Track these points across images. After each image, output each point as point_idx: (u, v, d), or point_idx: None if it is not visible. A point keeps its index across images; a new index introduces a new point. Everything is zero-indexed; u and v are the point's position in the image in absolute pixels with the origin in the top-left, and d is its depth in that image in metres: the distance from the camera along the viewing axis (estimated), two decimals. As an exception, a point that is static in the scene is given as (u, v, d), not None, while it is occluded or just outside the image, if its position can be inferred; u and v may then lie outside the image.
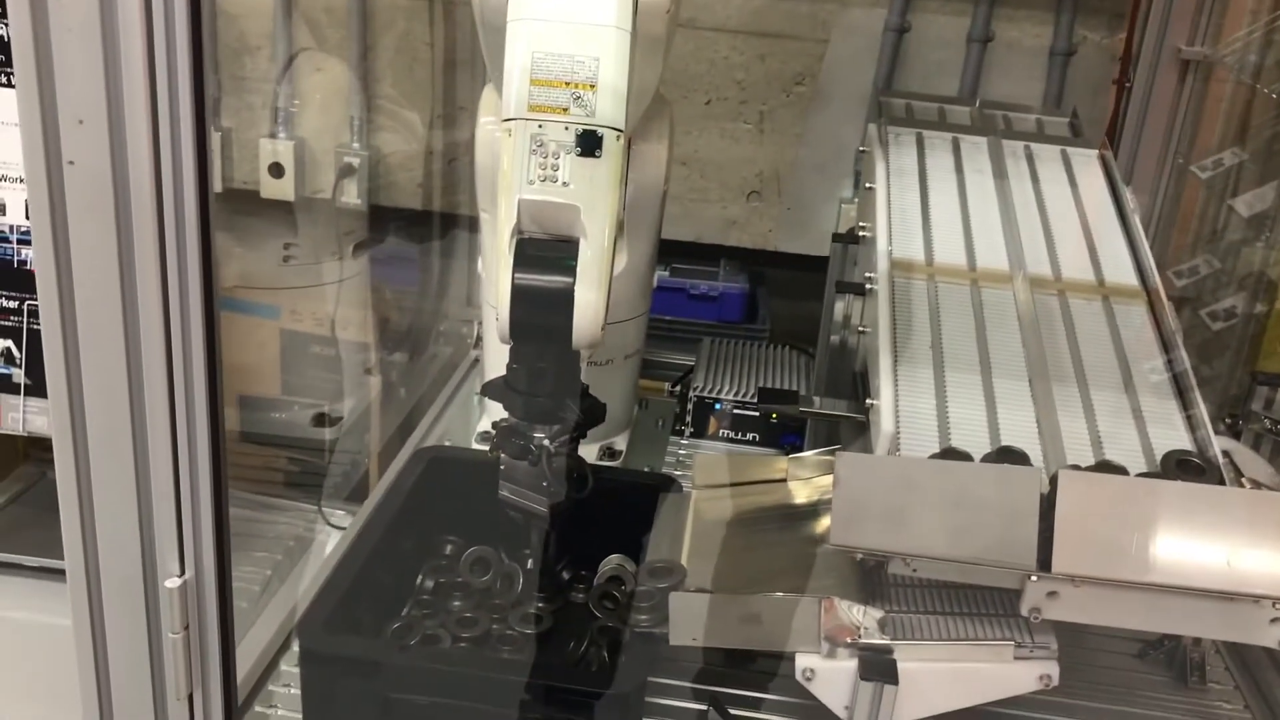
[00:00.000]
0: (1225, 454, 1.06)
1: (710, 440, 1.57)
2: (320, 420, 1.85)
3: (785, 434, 1.54)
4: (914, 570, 0.92)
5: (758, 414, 1.55)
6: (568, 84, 0.94)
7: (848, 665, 0.95)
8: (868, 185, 1.30)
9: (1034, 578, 0.87)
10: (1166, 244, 1.80)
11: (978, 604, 0.99)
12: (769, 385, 1.62)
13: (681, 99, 2.01)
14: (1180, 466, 0.95)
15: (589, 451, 1.48)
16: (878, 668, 0.94)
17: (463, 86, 2.03)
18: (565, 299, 0.94)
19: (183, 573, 0.90)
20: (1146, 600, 0.87)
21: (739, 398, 1.57)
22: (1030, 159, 1.36)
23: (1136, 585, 0.85)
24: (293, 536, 1.67)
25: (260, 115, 2.11)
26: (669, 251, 2.10)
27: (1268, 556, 0.84)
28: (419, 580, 1.24)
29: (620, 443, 1.51)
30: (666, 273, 2.09)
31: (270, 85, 2.10)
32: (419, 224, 2.09)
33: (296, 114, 2.11)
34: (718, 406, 1.55)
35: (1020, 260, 1.18)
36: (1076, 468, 0.94)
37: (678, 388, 1.70)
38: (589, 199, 0.94)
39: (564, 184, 0.93)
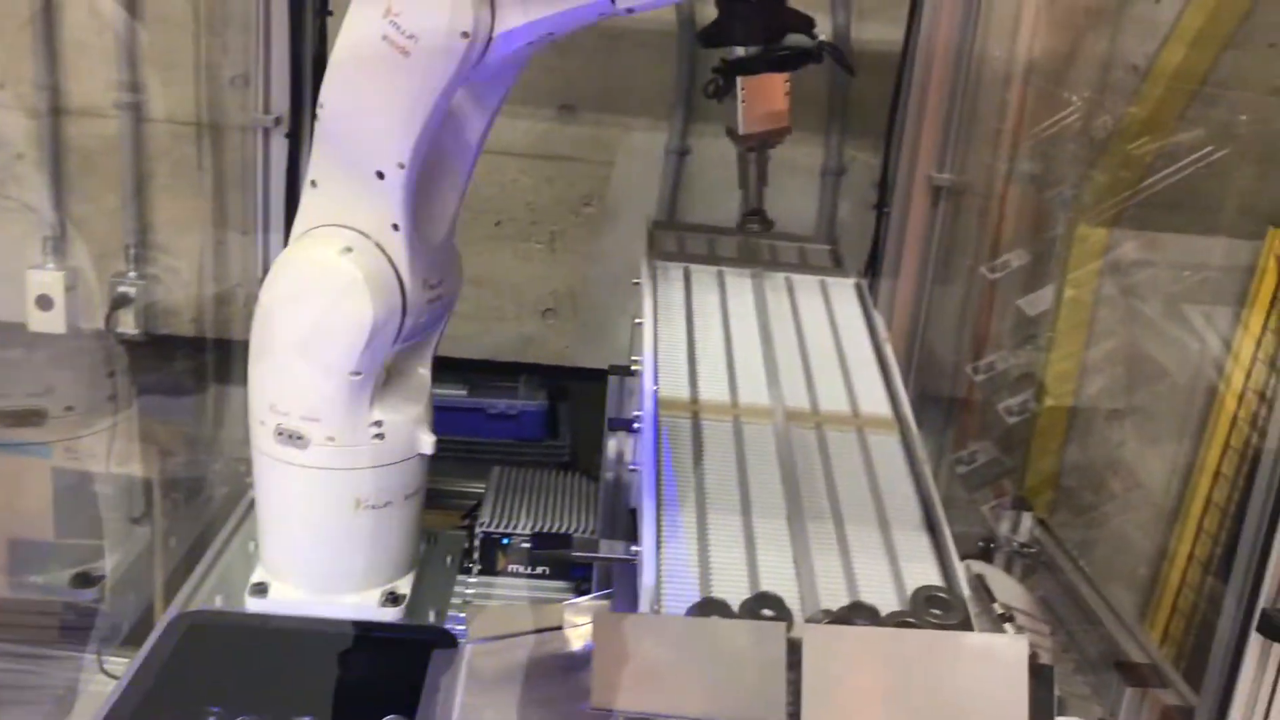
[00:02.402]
0: (979, 578, 1.09)
1: (501, 576, 1.53)
2: (81, 580, 1.72)
3: (576, 568, 1.52)
4: (676, 729, 0.90)
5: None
6: None
7: (620, 832, 0.92)
8: (636, 320, 1.32)
9: (787, 734, 0.87)
10: (962, 348, 1.88)
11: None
12: (560, 514, 1.60)
13: (472, 220, 2.01)
14: (929, 602, 0.97)
15: (370, 598, 1.43)
16: (648, 833, 0.92)
17: (233, 208, 1.97)
18: None
19: None
20: (904, 746, 0.88)
21: (530, 530, 1.54)
22: (791, 290, 1.41)
23: (885, 735, 0.86)
24: (62, 690, 1.55)
25: (26, 245, 2.00)
26: (466, 370, 2.08)
27: (1006, 701, 0.86)
28: (175, 762, 1.15)
29: (404, 586, 1.45)
30: (464, 392, 2.06)
31: (36, 214, 1.99)
32: (196, 354, 2.01)
33: (68, 243, 2.00)
34: (505, 542, 1.52)
35: (780, 394, 1.21)
36: (829, 612, 0.95)
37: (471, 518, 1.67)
38: None
39: None
